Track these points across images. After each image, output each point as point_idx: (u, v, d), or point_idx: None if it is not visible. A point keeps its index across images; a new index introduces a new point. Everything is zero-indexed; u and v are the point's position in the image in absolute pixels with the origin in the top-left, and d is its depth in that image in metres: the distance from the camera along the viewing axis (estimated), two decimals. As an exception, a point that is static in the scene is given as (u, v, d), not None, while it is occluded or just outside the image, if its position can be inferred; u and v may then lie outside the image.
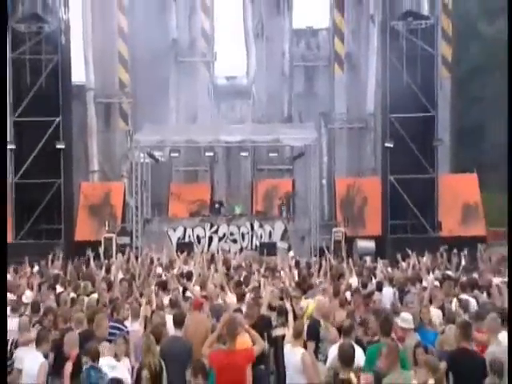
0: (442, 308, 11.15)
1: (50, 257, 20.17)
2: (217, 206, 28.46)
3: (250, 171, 32.49)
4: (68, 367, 8.08)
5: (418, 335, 9.22)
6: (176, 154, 29.40)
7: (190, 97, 33.51)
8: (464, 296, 11.93)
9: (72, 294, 12.64)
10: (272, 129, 29.12)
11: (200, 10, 33.68)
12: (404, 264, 17.48)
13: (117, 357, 8.28)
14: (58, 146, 26.29)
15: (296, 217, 27.49)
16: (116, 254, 23.43)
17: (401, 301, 12.12)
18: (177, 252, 20.96)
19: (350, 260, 20.51)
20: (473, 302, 11.74)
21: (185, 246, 23.06)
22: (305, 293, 13.02)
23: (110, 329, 9.42)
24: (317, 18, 35.54)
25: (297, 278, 15.31)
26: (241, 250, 24.37)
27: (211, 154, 29.82)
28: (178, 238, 25.71)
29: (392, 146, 26.21)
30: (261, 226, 26.12)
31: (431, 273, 15.51)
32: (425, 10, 27.79)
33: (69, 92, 27.92)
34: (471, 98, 39.86)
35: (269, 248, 23.85)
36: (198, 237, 25.90)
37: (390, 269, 17.51)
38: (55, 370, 8.59)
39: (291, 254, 21.94)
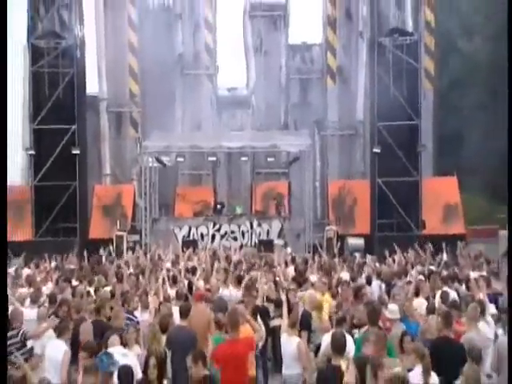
0: (428, 299, 11.19)
1: (71, 253, 20.26)
2: (219, 206, 28.44)
3: (249, 175, 32.48)
4: (84, 355, 8.07)
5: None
6: (181, 159, 29.40)
7: (194, 106, 33.53)
8: (446, 289, 11.95)
9: (87, 288, 12.63)
10: (270, 136, 29.14)
11: (203, 26, 33.74)
12: (390, 259, 17.51)
13: (127, 345, 8.27)
14: (74, 152, 26.26)
15: (292, 216, 27.49)
16: (127, 250, 23.46)
17: (388, 293, 12.13)
18: (182, 249, 20.93)
19: (341, 256, 20.69)
20: (454, 294, 11.76)
21: (190, 243, 23.03)
22: (300, 286, 13.06)
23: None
24: (311, 35, 35.62)
25: (293, 273, 15.33)
26: (241, 246, 24.31)
27: (214, 158, 29.79)
28: (184, 236, 25.68)
29: (379, 151, 26.20)
30: (259, 224, 26.11)
31: (415, 267, 15.53)
32: (409, 27, 27.82)
33: (83, 102, 27.91)
34: (451, 108, 39.88)
35: (266, 245, 23.89)
36: (201, 235, 25.88)
37: (377, 264, 17.53)
38: (71, 356, 8.59)
39: (288, 250, 21.90)
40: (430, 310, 9.75)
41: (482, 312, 9.30)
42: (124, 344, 8.18)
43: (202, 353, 7.46)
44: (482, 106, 40.99)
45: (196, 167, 32.28)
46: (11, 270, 16.40)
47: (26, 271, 16.74)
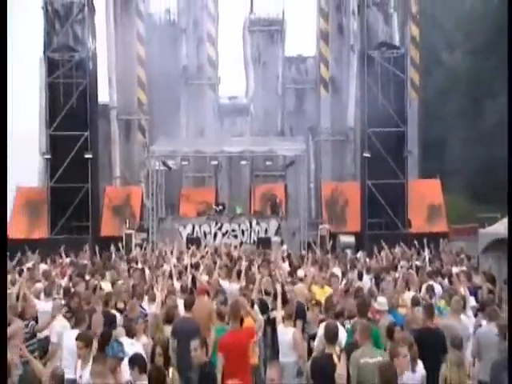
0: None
1: (83, 250, 20.24)
2: (220, 207, 28.44)
3: (248, 177, 32.48)
4: (95, 343, 8.06)
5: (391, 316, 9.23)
6: (186, 163, 29.40)
7: (197, 114, 33.57)
8: (432, 282, 11.96)
9: (102, 283, 12.57)
10: (267, 141, 29.15)
11: (206, 40, 33.78)
12: (381, 255, 17.51)
13: (136, 335, 8.25)
14: (87, 156, 26.25)
15: (288, 216, 27.50)
16: (135, 247, 23.44)
17: (377, 287, 12.13)
18: (187, 246, 20.93)
19: (334, 252, 20.67)
20: (439, 288, 11.77)
21: (193, 241, 23.02)
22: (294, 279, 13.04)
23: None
24: (305, 48, 35.75)
25: (288, 268, 15.32)
26: (241, 244, 24.26)
27: (216, 162, 29.85)
28: (188, 234, 25.65)
29: (369, 155, 26.21)
30: (258, 223, 26.09)
31: (401, 262, 15.51)
32: (396, 41, 27.93)
33: (95, 110, 27.90)
34: (435, 116, 39.92)
35: (265, 242, 23.88)
36: (204, 233, 25.85)
37: (367, 260, 17.54)
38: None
39: (284, 247, 21.88)
40: (415, 302, 9.74)
41: (464, 305, 9.33)
42: (132, 334, 8.16)
43: (204, 340, 7.45)
44: (463, 114, 41.03)
45: (199, 170, 32.29)
46: (29, 265, 16.40)
47: (42, 266, 16.72)
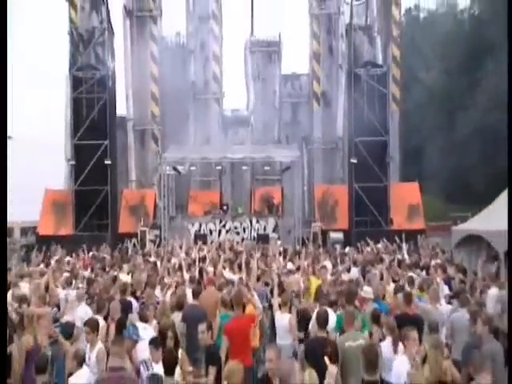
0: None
1: (104, 245, 20.26)
2: (224, 207, 28.43)
3: (249, 181, 32.47)
4: (113, 327, 8.08)
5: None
6: (194, 168, 29.44)
7: (204, 125, 33.58)
8: (411, 274, 11.94)
9: (117, 273, 12.58)
10: (266, 149, 29.08)
11: (212, 59, 33.81)
12: (367, 249, 17.50)
13: (148, 321, 8.24)
14: (106, 162, 26.25)
15: (284, 215, 27.45)
16: (149, 242, 23.43)
17: (363, 277, 12.11)
18: (194, 241, 20.92)
19: (325, 247, 20.63)
20: (417, 278, 11.75)
21: (200, 237, 23.03)
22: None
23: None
24: (300, 66, 35.88)
25: (283, 261, 15.27)
26: (242, 239, 24.28)
27: (220, 167, 29.85)
28: (195, 231, 25.59)
29: (356, 161, 26.20)
30: (257, 221, 26.04)
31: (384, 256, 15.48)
32: (379, 60, 27.99)
33: (114, 122, 27.89)
34: (414, 127, 40.00)
35: (263, 238, 23.81)
36: (210, 230, 25.80)
37: (355, 254, 17.52)
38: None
39: (278, 242, 21.81)
40: (398, 289, 9.72)
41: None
42: (145, 320, 8.16)
43: (210, 325, 7.46)
44: (439, 125, 41.10)
45: (205, 174, 32.26)
46: (56, 258, 16.44)
47: (67, 259, 16.74)
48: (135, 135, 31.96)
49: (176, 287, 10.49)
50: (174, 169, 28.66)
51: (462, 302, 8.67)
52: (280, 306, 8.99)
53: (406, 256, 15.14)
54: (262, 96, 34.30)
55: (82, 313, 9.11)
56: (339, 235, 25.50)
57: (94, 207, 26.17)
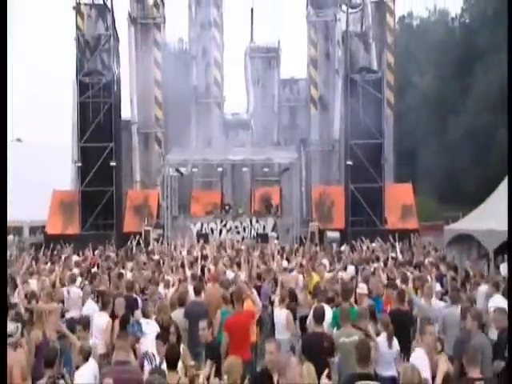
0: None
1: (109, 244, 20.27)
2: (226, 207, 28.43)
3: (249, 182, 32.43)
4: (117, 323, 8.09)
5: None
6: (196, 169, 29.45)
7: (205, 128, 33.56)
8: (404, 271, 11.94)
9: (123, 271, 12.59)
10: (265, 151, 29.15)
11: (213, 65, 33.80)
12: (363, 248, 17.50)
13: (149, 316, 8.24)
14: (111, 164, 26.29)
15: (283, 215, 27.48)
16: (152, 241, 23.44)
17: (358, 274, 12.10)
18: (198, 240, 20.92)
19: (322, 246, 20.63)
20: (410, 276, 11.74)
21: (202, 236, 22.98)
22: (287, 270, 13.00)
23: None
24: (298, 71, 35.87)
25: (281, 259, 15.23)
26: (243, 238, 24.31)
27: (221, 169, 29.83)
28: (197, 230, 25.60)
29: (352, 163, 26.26)
30: (257, 221, 26.07)
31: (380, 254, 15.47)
32: (374, 66, 28.06)
33: (119, 125, 27.98)
34: (407, 130, 40.00)
35: (263, 237, 23.81)
36: (211, 229, 25.82)
37: (351, 252, 17.53)
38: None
39: (276, 241, 21.79)
40: (389, 285, 9.70)
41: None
42: (147, 315, 8.17)
43: (211, 321, 7.46)
44: (431, 128, 41.12)
45: (207, 176, 32.23)
46: (63, 257, 16.45)
47: (74, 257, 16.76)
48: (139, 138, 31.94)
49: (178, 284, 10.50)
50: (177, 170, 28.68)
51: (453, 298, 8.68)
52: (279, 302, 9.00)
53: (399, 254, 15.16)
54: (261, 100, 34.32)
55: (88, 309, 9.13)
56: (336, 234, 25.50)
57: (100, 207, 26.19)
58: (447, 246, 16.67)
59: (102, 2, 29.15)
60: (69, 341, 7.37)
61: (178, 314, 8.57)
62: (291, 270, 12.53)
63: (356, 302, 9.22)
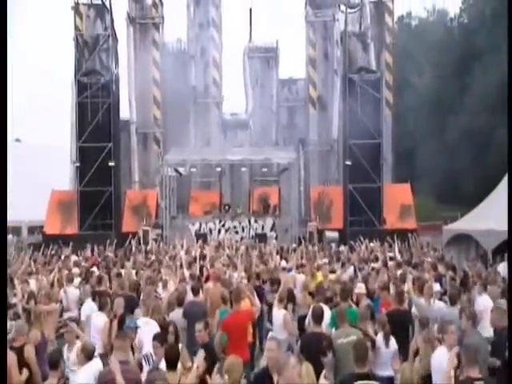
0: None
1: (108, 244, 20.26)
2: (226, 207, 28.43)
3: (248, 182, 32.41)
4: (115, 323, 8.09)
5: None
6: (194, 169, 29.43)
7: (204, 128, 33.56)
8: (403, 271, 11.94)
9: (122, 271, 12.57)
10: (264, 151, 29.18)
11: (212, 65, 33.81)
12: (362, 247, 17.51)
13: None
14: (110, 164, 26.29)
15: (281, 215, 27.48)
16: (151, 241, 23.43)
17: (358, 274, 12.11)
18: (197, 240, 20.91)
19: (320, 246, 20.62)
20: (410, 276, 11.74)
21: (201, 236, 23.01)
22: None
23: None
24: (296, 71, 35.92)
25: (279, 259, 15.25)
26: (241, 238, 24.32)
27: (220, 169, 29.86)
28: (196, 230, 25.62)
29: (350, 163, 26.25)
30: (256, 221, 26.09)
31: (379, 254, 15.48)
32: (373, 66, 28.05)
33: (118, 125, 27.96)
34: (406, 130, 40.01)
35: (261, 237, 23.88)
36: (210, 229, 25.83)
37: (349, 252, 17.53)
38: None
39: (274, 241, 21.79)
40: (385, 285, 9.69)
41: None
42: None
43: (207, 323, 7.43)
44: (430, 128, 41.13)
45: (206, 176, 32.21)
46: (62, 257, 16.45)
47: (73, 257, 16.75)
48: (138, 138, 31.93)
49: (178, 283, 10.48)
50: (176, 170, 28.67)
51: (452, 298, 8.68)
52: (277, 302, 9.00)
53: (397, 254, 15.17)
54: (260, 100, 34.31)
55: (87, 309, 9.13)
56: (334, 234, 25.51)
57: (99, 207, 26.19)
58: (446, 245, 16.72)
59: (100, 2, 29.14)
60: (75, 336, 7.33)
61: (176, 314, 8.56)
62: (289, 270, 12.52)
63: (355, 301, 9.21)
